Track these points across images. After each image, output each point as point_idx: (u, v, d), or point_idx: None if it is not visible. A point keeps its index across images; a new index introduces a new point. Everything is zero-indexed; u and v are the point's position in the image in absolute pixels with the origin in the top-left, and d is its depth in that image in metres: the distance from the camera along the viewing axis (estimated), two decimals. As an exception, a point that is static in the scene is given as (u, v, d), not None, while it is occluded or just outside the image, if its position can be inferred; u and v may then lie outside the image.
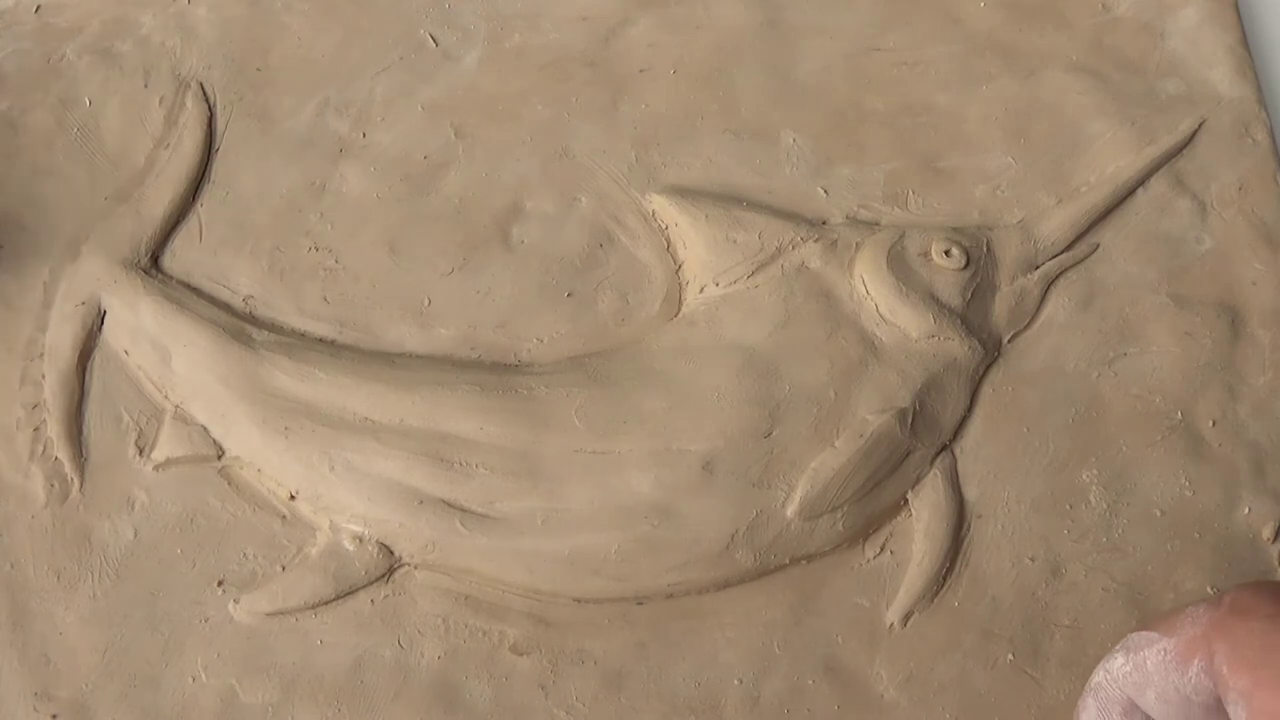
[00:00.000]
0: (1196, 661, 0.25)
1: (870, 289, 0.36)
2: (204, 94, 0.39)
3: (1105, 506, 0.34)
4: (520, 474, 0.33)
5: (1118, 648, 0.27)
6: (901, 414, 0.34)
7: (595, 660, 0.32)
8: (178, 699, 0.32)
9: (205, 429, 0.34)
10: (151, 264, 0.37)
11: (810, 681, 0.32)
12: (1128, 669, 0.26)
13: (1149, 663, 0.26)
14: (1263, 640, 0.24)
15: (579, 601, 0.33)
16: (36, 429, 0.34)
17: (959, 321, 0.35)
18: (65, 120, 0.39)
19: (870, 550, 0.34)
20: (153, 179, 0.38)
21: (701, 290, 0.37)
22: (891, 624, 0.33)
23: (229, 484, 0.34)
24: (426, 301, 0.36)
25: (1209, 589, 0.33)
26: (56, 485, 0.34)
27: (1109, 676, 0.27)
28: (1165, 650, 0.26)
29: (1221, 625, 0.25)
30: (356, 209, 0.38)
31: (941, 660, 0.33)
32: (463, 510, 0.33)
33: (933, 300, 0.35)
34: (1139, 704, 0.26)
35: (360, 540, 0.33)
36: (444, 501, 0.33)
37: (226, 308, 0.36)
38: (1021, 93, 0.40)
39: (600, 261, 0.37)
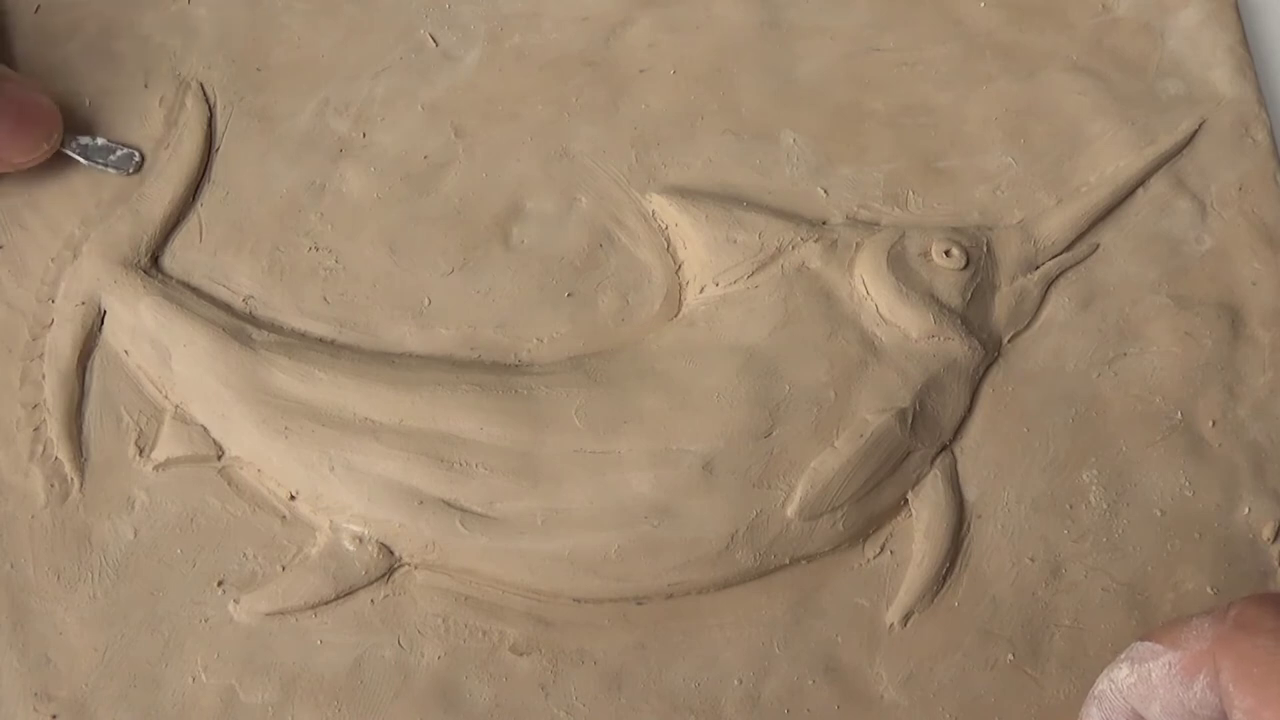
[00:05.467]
0: (1202, 677, 0.25)
1: (870, 289, 0.36)
2: (204, 94, 0.39)
3: (1105, 506, 0.34)
4: (520, 474, 0.33)
5: (1122, 657, 0.27)
6: (901, 414, 0.34)
7: (595, 660, 0.32)
8: (178, 699, 0.32)
9: (205, 429, 0.34)
10: (151, 264, 0.37)
11: (810, 681, 0.32)
12: (1132, 680, 0.26)
13: (1154, 675, 0.26)
14: (1269, 657, 0.24)
15: (579, 601, 0.33)
16: (36, 429, 0.34)
17: (959, 321, 0.35)
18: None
19: (870, 550, 0.34)
20: (152, 179, 0.38)
21: (701, 290, 0.37)
22: (891, 624, 0.33)
23: (229, 484, 0.34)
24: (426, 301, 0.36)
25: (1209, 589, 0.33)
26: (56, 485, 0.34)
27: (1113, 686, 0.27)
28: (1170, 664, 0.26)
29: (1227, 641, 0.25)
30: (356, 209, 0.38)
31: (941, 660, 0.33)
32: (463, 510, 0.33)
33: (933, 300, 0.36)
34: (1144, 715, 0.26)
35: (360, 540, 0.33)
36: (444, 501, 0.33)
37: (226, 308, 0.36)
38: (1021, 93, 0.40)
39: (600, 261, 0.37)
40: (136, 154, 0.37)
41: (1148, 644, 0.26)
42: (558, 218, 0.38)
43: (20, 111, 0.35)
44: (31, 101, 0.36)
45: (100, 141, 0.37)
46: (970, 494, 0.34)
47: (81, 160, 0.37)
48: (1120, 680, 0.27)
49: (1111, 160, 0.39)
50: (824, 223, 0.38)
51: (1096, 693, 0.28)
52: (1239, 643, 0.24)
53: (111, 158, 0.37)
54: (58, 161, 0.38)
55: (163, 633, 0.32)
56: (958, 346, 0.35)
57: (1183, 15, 0.41)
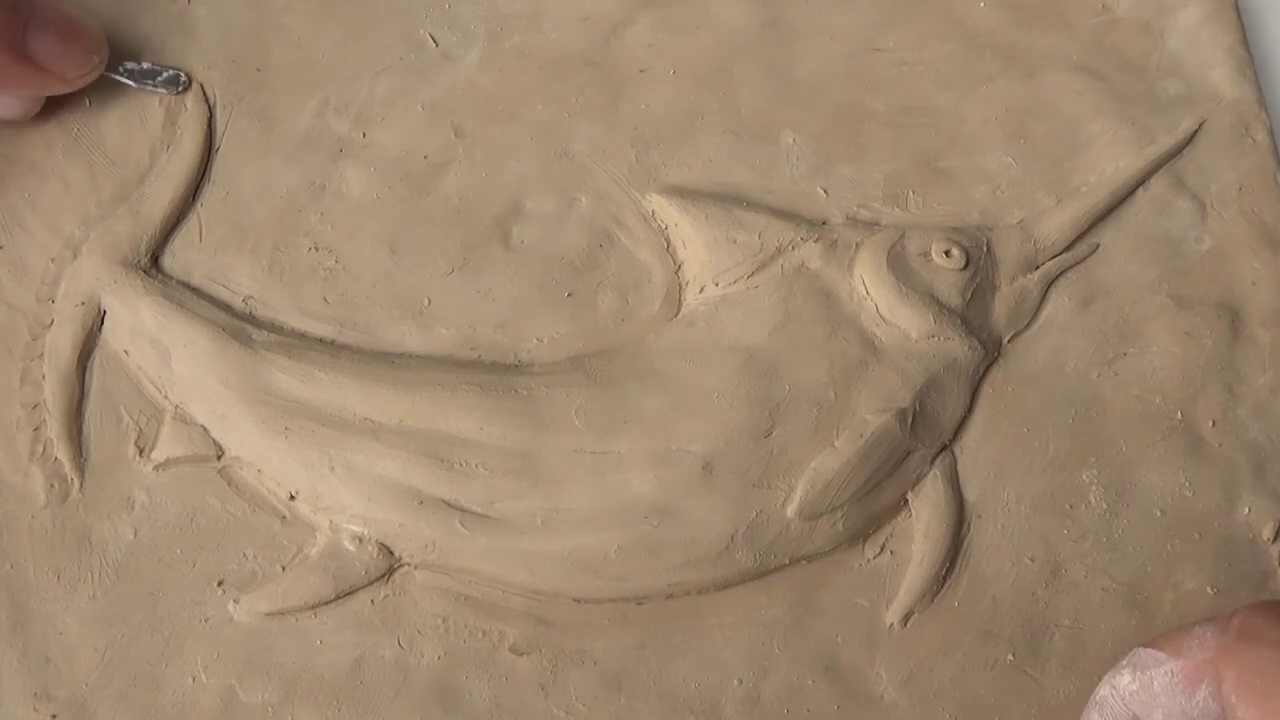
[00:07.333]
0: (1204, 686, 0.25)
1: (870, 289, 0.36)
2: (204, 94, 0.39)
3: (1105, 506, 0.34)
4: (520, 474, 0.33)
5: (1124, 664, 0.27)
6: (901, 414, 0.34)
7: (595, 660, 0.32)
8: (178, 699, 0.32)
9: (205, 429, 0.34)
10: (151, 264, 0.37)
11: (810, 681, 0.32)
12: (1134, 688, 0.26)
13: (1156, 683, 0.26)
14: (1273, 669, 0.24)
15: (579, 601, 0.33)
16: (36, 429, 0.34)
17: (959, 321, 0.35)
18: (65, 120, 0.39)
19: (870, 550, 0.34)
20: (152, 179, 0.38)
21: (701, 290, 0.37)
22: (891, 624, 0.33)
23: (229, 484, 0.34)
24: (426, 301, 0.36)
25: (1209, 589, 0.33)
26: (56, 485, 0.34)
27: (1115, 693, 0.27)
28: (1172, 672, 0.26)
29: (1230, 651, 0.25)
30: (356, 209, 0.38)
31: (941, 660, 0.33)
32: (463, 510, 0.33)
33: (933, 300, 0.36)
34: None
35: (360, 540, 0.33)
36: (444, 502, 0.33)
37: (226, 308, 0.36)
38: (1021, 93, 0.40)
39: (600, 261, 0.37)
40: (183, 75, 0.37)
41: (1150, 651, 0.26)
42: (558, 218, 0.38)
43: (64, 25, 0.35)
44: (72, 16, 0.36)
45: (146, 65, 0.37)
46: (970, 494, 0.34)
47: (130, 83, 0.37)
48: (1122, 687, 0.27)
49: (1111, 160, 0.39)
50: (824, 223, 0.38)
51: (1098, 699, 0.28)
52: (1243, 653, 0.24)
53: (159, 79, 0.37)
54: (58, 161, 0.38)
55: (163, 633, 0.32)
56: (958, 346, 0.35)
57: (1183, 15, 0.41)
